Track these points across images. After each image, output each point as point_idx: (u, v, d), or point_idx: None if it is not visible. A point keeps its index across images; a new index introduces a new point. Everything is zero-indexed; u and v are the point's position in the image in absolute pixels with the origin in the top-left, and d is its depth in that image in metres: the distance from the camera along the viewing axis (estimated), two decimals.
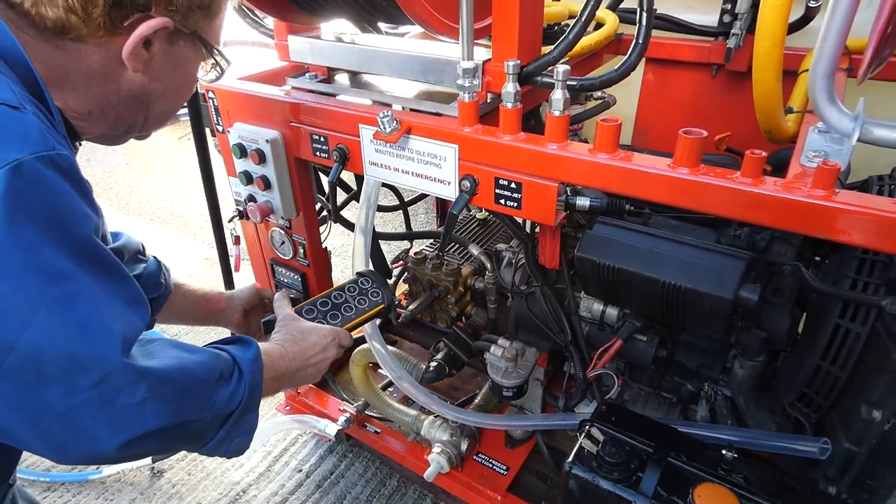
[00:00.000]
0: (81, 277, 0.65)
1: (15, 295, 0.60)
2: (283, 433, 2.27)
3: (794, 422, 1.37)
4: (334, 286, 1.27)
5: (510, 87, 1.01)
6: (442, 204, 2.48)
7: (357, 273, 1.32)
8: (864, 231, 0.84)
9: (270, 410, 2.34)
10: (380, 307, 1.25)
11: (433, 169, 1.15)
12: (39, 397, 0.62)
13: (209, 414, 0.77)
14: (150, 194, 4.31)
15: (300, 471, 2.13)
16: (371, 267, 1.57)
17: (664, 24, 1.71)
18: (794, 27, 1.54)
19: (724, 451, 1.18)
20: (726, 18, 1.48)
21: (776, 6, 1.07)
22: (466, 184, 1.11)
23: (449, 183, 1.15)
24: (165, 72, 0.81)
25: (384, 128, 1.10)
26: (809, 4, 1.43)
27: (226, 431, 0.80)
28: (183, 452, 2.18)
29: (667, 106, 1.79)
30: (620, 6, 1.67)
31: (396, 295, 2.24)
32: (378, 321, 1.55)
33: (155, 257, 1.19)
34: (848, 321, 1.11)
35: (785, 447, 1.24)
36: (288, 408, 2.10)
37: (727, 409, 1.46)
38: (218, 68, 0.90)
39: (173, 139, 5.26)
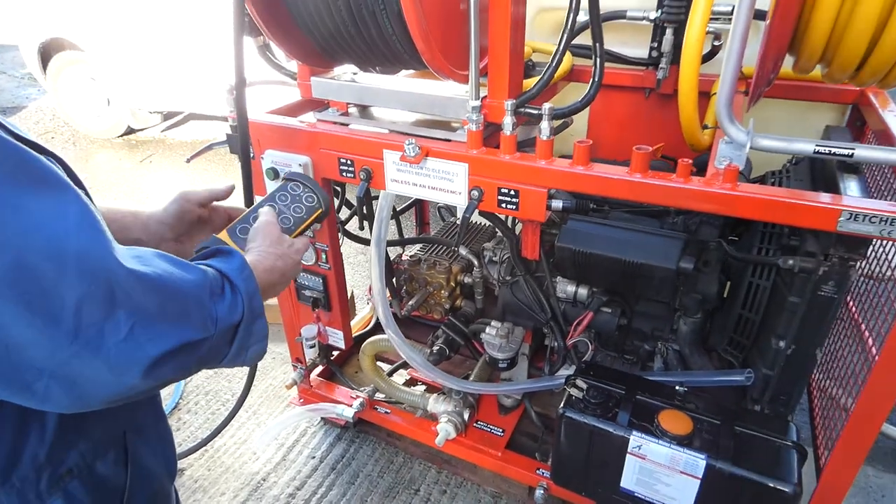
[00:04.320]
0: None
1: None
2: (293, 426, 2.50)
3: (728, 364, 1.77)
4: (262, 198, 1.19)
5: (508, 119, 1.35)
6: (421, 214, 2.80)
7: (283, 177, 1.24)
8: (755, 209, 1.22)
9: (282, 405, 2.58)
10: (318, 212, 1.19)
11: (447, 183, 1.47)
12: (24, 361, 0.63)
13: (213, 331, 0.77)
14: None
15: (314, 457, 2.36)
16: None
17: (607, 57, 2.10)
18: (706, 58, 1.96)
19: (677, 388, 1.55)
20: (654, 53, 1.89)
21: (691, 69, 1.46)
22: (475, 193, 1.44)
23: (460, 193, 1.47)
24: None
25: (409, 152, 1.42)
26: (714, 44, 1.87)
27: (237, 345, 0.81)
28: (200, 452, 2.37)
29: (611, 122, 2.18)
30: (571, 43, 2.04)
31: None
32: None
33: None
34: (758, 279, 1.52)
35: (721, 381, 1.64)
36: (301, 400, 2.34)
37: (676, 360, 1.85)
38: None
39: (133, 162, 5.30)
